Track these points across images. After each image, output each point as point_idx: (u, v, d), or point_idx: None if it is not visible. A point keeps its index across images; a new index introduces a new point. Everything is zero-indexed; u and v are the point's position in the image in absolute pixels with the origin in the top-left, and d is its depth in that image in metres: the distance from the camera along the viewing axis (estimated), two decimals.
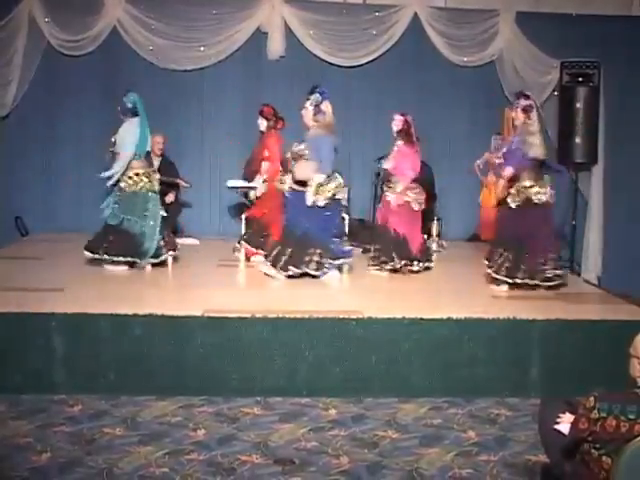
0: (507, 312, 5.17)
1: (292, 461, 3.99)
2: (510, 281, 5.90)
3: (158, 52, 8.26)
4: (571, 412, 3.11)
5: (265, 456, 4.04)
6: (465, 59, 8.49)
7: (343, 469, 3.93)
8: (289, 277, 6.11)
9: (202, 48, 8.30)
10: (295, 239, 6.14)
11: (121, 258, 6.30)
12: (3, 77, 8.06)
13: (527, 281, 5.86)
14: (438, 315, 5.06)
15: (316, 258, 6.08)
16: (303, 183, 6.18)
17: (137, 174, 6.39)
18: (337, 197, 6.25)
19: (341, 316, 5.03)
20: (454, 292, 5.95)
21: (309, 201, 6.08)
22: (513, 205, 5.95)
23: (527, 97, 6.06)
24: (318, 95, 6.10)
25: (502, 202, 6.13)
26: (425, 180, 7.77)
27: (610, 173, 8.52)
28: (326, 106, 6.14)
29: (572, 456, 3.08)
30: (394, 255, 6.45)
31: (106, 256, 6.28)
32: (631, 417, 2.82)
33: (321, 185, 6.10)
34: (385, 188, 6.75)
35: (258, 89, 8.33)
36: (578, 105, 8.18)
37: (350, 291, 5.97)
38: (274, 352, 4.92)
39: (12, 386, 4.75)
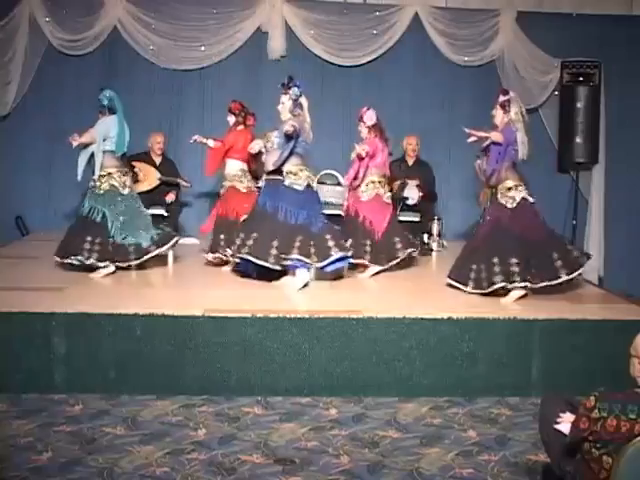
0: (508, 312, 5.17)
1: (293, 461, 3.99)
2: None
3: (158, 52, 8.27)
4: (572, 412, 3.11)
5: (266, 456, 4.03)
6: (466, 59, 8.49)
7: (343, 469, 3.92)
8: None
9: (202, 48, 8.31)
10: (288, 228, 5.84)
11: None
12: (3, 77, 8.07)
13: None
14: (438, 315, 5.06)
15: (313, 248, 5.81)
16: (276, 172, 5.95)
17: (109, 173, 6.13)
18: (312, 185, 6.05)
19: (341, 316, 5.03)
20: (454, 292, 5.94)
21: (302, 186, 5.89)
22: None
23: (506, 92, 5.86)
24: (296, 89, 5.90)
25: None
26: (425, 179, 7.81)
27: (611, 173, 8.52)
28: (305, 100, 5.95)
29: (573, 456, 3.08)
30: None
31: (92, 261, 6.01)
32: (632, 417, 2.82)
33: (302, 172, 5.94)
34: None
35: (258, 89, 8.32)
36: (579, 105, 8.18)
37: (350, 291, 5.97)
38: (274, 352, 4.91)
39: (13, 386, 4.75)
